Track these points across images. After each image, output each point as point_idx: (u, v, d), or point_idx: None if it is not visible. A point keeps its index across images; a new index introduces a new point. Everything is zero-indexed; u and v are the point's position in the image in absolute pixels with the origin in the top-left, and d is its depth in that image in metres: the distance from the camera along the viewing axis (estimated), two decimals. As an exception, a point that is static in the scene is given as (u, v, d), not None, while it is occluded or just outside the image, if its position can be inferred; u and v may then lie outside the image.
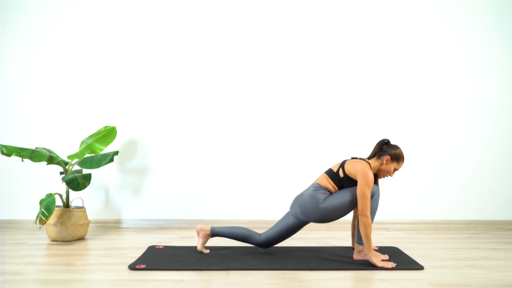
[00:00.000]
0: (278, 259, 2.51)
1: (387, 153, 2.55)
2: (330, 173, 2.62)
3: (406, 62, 3.71)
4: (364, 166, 2.47)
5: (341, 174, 2.57)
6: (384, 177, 2.63)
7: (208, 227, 2.70)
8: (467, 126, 3.71)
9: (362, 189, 2.42)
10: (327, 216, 2.52)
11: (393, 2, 3.71)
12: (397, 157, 2.55)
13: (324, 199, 2.52)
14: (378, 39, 3.71)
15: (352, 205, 2.50)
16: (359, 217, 2.41)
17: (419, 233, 3.43)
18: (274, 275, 2.22)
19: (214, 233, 2.69)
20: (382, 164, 2.56)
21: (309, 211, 2.53)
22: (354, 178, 2.52)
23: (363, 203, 2.40)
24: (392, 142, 3.67)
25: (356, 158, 2.61)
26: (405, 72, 3.71)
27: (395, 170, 2.58)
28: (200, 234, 2.69)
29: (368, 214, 2.40)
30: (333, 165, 2.70)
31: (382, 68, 3.71)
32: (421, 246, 2.95)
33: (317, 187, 2.59)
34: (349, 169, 2.53)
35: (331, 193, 2.59)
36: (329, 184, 2.60)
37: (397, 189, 3.67)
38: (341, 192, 2.55)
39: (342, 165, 2.59)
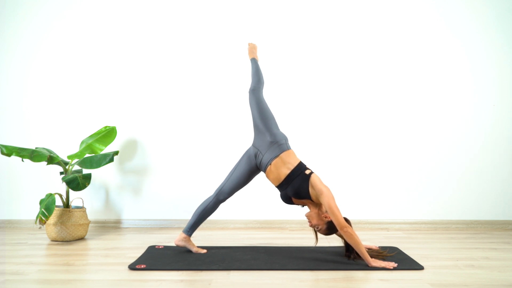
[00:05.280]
0: (278, 259, 2.51)
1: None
2: (298, 167, 2.48)
3: (406, 62, 3.71)
4: (328, 190, 2.38)
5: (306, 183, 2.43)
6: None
7: (180, 234, 2.68)
8: (467, 126, 3.71)
9: (329, 204, 2.32)
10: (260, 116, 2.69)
11: (394, 2, 3.72)
12: None
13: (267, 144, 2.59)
14: (377, 39, 3.71)
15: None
16: (341, 232, 2.34)
17: (419, 233, 3.43)
18: (274, 275, 2.22)
19: (187, 232, 2.66)
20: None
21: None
22: (313, 191, 2.41)
23: (336, 216, 2.31)
24: (392, 142, 3.68)
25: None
26: (406, 72, 3.71)
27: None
28: (181, 244, 2.66)
29: (346, 224, 2.31)
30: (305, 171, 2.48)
31: (382, 68, 3.71)
32: (421, 246, 2.95)
33: (284, 140, 2.64)
34: (314, 184, 2.41)
35: (263, 153, 2.59)
36: (289, 164, 2.50)
37: (397, 189, 3.67)
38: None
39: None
